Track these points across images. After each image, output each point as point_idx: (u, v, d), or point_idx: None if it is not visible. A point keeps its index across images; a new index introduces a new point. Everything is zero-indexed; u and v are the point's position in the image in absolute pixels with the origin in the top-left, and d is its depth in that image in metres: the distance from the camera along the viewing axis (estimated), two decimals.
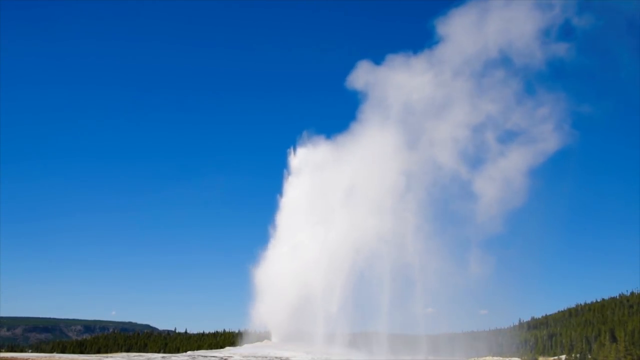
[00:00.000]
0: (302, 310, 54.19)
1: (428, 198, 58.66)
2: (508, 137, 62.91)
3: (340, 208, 57.75)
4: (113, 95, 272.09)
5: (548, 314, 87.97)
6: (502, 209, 59.62)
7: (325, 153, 61.70)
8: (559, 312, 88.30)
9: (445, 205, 60.41)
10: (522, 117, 62.58)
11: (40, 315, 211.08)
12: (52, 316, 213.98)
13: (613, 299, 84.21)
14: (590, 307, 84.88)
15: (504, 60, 62.59)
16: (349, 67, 66.44)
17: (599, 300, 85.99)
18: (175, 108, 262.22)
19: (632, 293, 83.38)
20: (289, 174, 62.68)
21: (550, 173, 64.47)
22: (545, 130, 62.33)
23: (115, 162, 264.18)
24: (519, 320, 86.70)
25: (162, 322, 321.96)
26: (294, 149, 63.31)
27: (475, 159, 61.88)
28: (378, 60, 63.45)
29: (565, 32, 67.41)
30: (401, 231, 57.20)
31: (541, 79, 65.20)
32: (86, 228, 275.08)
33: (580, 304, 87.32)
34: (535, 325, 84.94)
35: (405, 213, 57.91)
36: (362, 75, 61.24)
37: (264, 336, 57.59)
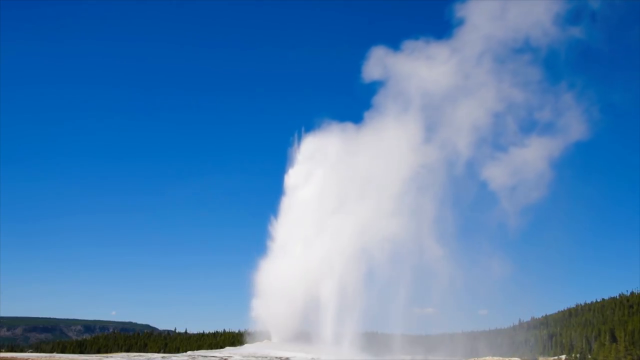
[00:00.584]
0: (307, 310, 52.34)
1: (445, 193, 56.22)
2: (531, 127, 60.84)
3: (352, 203, 54.17)
4: (113, 95, 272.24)
5: (548, 314, 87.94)
6: (520, 205, 58.03)
7: (336, 144, 57.31)
8: (559, 312, 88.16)
9: (463, 200, 58.28)
10: (545, 105, 60.64)
11: (40, 315, 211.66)
12: (52, 316, 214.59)
13: (613, 299, 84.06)
14: (590, 307, 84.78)
15: (527, 46, 59.95)
16: (360, 56, 63.12)
17: (599, 300, 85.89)
18: (175, 108, 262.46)
19: (632, 293, 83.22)
20: (293, 164, 58.51)
21: (572, 166, 62.47)
22: (570, 120, 60.44)
23: (115, 162, 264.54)
24: (519, 320, 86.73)
25: (162, 322, 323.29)
26: (299, 137, 59.07)
27: (496, 150, 59.69)
28: (394, 46, 59.91)
29: (591, 17, 65.44)
30: (417, 228, 54.44)
31: (565, 65, 63.22)
32: (86, 228, 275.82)
33: (580, 304, 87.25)
34: (535, 325, 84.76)
35: (421, 209, 55.18)
36: (378, 63, 57.69)
37: (264, 336, 57.24)
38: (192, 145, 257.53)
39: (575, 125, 60.67)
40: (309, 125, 59.70)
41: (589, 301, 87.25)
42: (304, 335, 53.10)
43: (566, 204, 64.04)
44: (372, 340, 54.44)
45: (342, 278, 51.24)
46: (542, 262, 69.27)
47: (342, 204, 54.84)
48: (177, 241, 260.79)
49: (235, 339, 71.38)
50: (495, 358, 54.40)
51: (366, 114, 57.34)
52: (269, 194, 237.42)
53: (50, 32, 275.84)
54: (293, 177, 57.97)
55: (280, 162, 61.37)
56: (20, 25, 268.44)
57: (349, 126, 58.16)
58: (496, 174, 58.88)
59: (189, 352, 52.00)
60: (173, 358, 42.48)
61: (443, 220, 55.46)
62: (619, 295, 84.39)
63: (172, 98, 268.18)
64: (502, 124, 59.37)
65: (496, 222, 58.81)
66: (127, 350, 76.17)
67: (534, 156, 59.00)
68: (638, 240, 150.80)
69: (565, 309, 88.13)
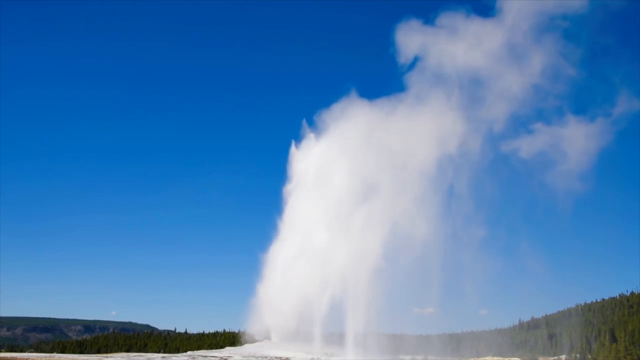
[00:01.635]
0: (320, 310, 49.80)
1: (476, 184, 52.71)
2: (575, 105, 57.39)
3: (370, 196, 49.76)
4: (113, 95, 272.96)
5: (548, 314, 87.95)
6: (552, 197, 55.68)
7: (360, 125, 51.82)
8: (559, 312, 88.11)
9: (495, 192, 54.84)
10: (590, 81, 57.30)
11: (40, 315, 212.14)
12: (52, 316, 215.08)
13: (613, 299, 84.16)
14: (590, 307, 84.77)
15: (569, 18, 55.95)
16: (389, 32, 56.41)
17: (599, 300, 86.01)
18: (175, 108, 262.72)
19: (632, 293, 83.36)
20: (307, 150, 54.35)
21: (615, 154, 60.30)
22: (617, 97, 57.32)
23: (115, 162, 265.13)
24: (519, 320, 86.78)
25: (162, 322, 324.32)
26: (309, 121, 55.25)
27: (531, 134, 56.46)
28: (428, 20, 55.26)
29: None
30: (446, 228, 51.11)
31: (613, 37, 60.98)
32: (86, 228, 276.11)
33: (580, 304, 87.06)
34: (535, 325, 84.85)
35: (450, 209, 51.86)
36: (409, 39, 53.15)
37: (264, 336, 56.99)
38: (192, 145, 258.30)
39: (623, 102, 57.74)
40: (327, 104, 55.91)
41: (589, 301, 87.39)
42: (304, 335, 52.45)
43: (607, 200, 62.74)
44: (384, 341, 52.06)
45: (368, 280, 47.50)
46: (543, 262, 68.41)
47: (367, 197, 49.85)
48: (177, 241, 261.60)
49: (235, 339, 71.21)
50: (495, 358, 54.45)
51: (396, 95, 52.98)
52: (269, 194, 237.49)
53: (50, 32, 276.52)
54: (304, 166, 54.32)
55: (282, 160, 58.15)
56: (20, 25, 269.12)
57: (375, 106, 53.58)
58: (531, 152, 55.89)
59: (189, 352, 51.97)
60: (173, 358, 42.48)
61: (470, 219, 51.98)
62: (619, 295, 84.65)
63: (173, 98, 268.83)
64: (543, 102, 56.03)
65: (524, 213, 57.02)
66: (127, 350, 76.16)
67: (576, 137, 56.02)
68: (638, 240, 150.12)
69: (565, 309, 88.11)
